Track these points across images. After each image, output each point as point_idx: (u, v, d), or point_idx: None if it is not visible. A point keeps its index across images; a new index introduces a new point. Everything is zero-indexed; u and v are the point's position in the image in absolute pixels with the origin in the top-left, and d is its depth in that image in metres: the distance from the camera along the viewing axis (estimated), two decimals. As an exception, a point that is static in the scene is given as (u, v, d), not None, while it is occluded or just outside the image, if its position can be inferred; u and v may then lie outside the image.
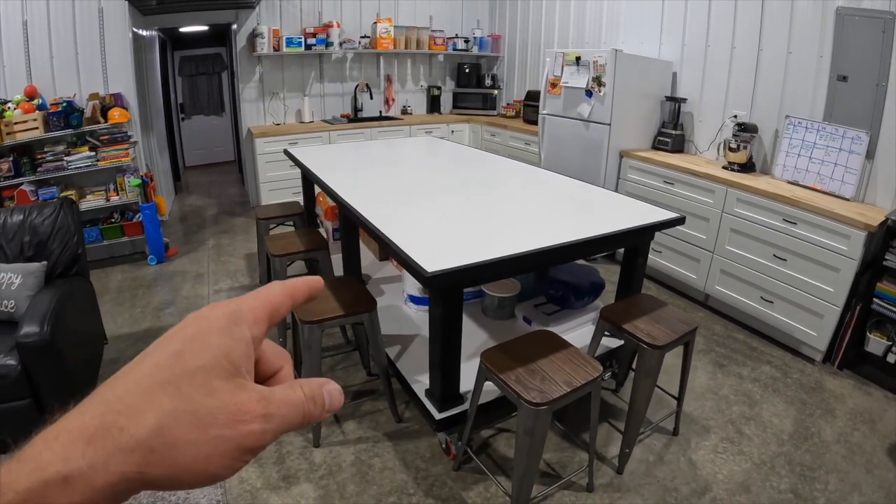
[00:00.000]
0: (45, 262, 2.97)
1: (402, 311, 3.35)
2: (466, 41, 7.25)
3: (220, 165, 9.65)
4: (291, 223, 4.14)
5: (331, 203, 4.24)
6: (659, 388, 2.85)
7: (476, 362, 2.25)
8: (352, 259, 3.47)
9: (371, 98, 6.92)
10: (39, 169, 4.40)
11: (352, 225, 3.28)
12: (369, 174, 3.55)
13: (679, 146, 4.72)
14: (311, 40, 6.19)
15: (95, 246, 4.74)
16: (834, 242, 3.25)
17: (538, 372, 2.09)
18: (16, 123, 4.15)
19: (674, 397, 2.83)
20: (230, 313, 0.37)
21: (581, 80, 4.63)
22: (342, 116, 6.71)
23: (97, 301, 3.39)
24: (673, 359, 3.05)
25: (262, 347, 0.40)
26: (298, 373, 2.96)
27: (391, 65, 7.13)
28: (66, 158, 4.47)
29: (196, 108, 9.36)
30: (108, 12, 4.66)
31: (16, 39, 4.36)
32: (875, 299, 3.20)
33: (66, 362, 2.58)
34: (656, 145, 4.81)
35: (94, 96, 4.64)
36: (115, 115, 4.58)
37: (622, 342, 2.95)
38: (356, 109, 6.82)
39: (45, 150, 4.43)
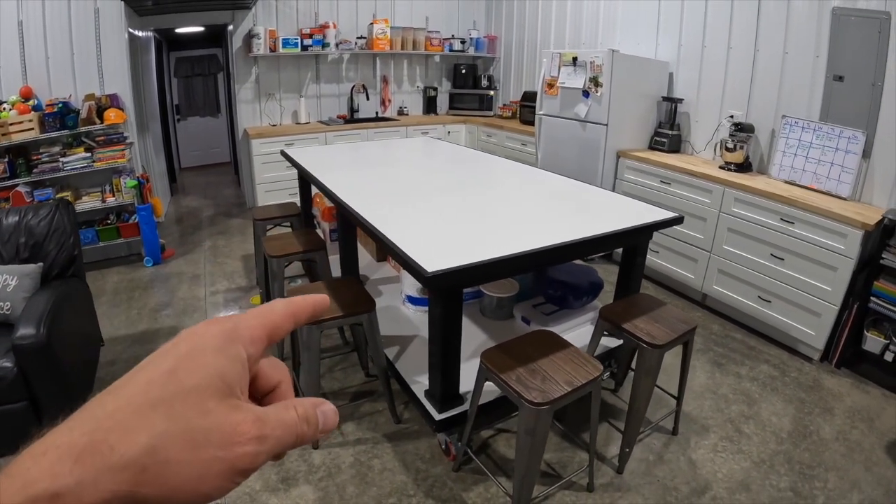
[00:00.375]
0: (41, 264, 2.96)
1: (400, 312, 3.34)
2: (463, 42, 7.25)
3: (216, 167, 9.62)
4: (288, 224, 4.12)
5: (328, 204, 4.24)
6: (658, 387, 2.85)
7: (475, 363, 2.25)
8: (350, 260, 3.46)
9: (367, 99, 6.92)
10: (35, 170, 4.38)
11: (349, 225, 3.27)
12: (366, 175, 3.55)
13: (676, 146, 4.73)
14: (308, 41, 6.18)
15: (91, 247, 4.73)
16: (831, 241, 3.26)
17: (539, 372, 2.08)
18: (11, 124, 4.13)
19: (673, 397, 2.83)
20: (226, 331, 0.36)
21: (578, 80, 4.64)
22: (338, 117, 6.70)
23: (93, 303, 3.37)
24: (672, 358, 3.05)
25: (261, 363, 0.40)
26: (296, 374, 2.96)
27: (387, 66, 7.13)
28: (61, 159, 4.45)
29: (192, 109, 9.34)
30: (104, 13, 4.65)
31: (11, 40, 4.34)
32: (872, 298, 3.21)
33: (62, 364, 2.57)
34: (653, 145, 4.82)
35: (89, 97, 4.62)
36: (111, 115, 4.56)
37: (621, 342, 2.96)
38: (352, 110, 6.81)
39: (41, 151, 4.41)
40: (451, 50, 7.20)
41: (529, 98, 6.16)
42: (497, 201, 2.99)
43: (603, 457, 2.65)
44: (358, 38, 6.55)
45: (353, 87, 6.73)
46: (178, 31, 6.78)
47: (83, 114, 4.48)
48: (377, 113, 7.14)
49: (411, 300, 3.30)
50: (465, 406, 2.44)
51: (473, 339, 3.01)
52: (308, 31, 6.21)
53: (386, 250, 2.27)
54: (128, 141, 4.76)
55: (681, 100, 4.69)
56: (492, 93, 7.18)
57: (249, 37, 5.99)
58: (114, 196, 4.77)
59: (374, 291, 3.56)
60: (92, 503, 0.29)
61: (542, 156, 5.24)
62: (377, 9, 6.76)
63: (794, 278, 3.47)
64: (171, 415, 0.31)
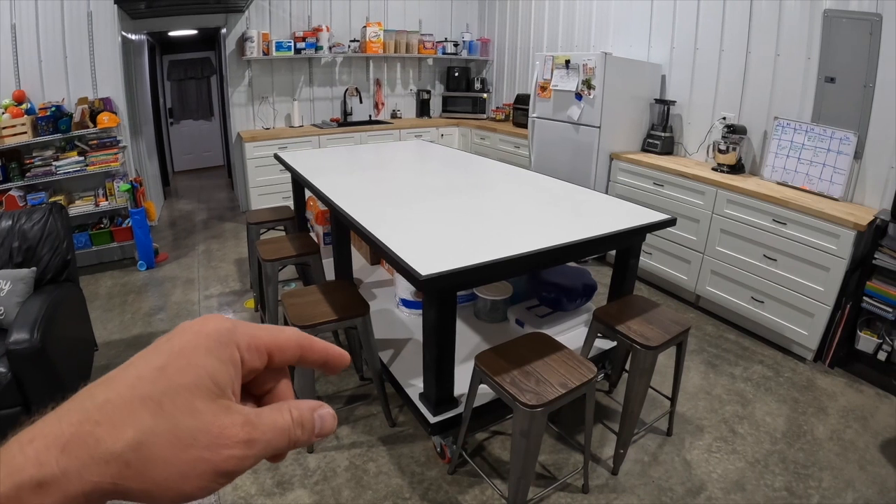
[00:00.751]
0: (34, 268, 2.95)
1: (394, 315, 3.34)
2: (456, 45, 7.26)
3: (209, 170, 9.60)
4: (282, 228, 4.12)
5: (321, 207, 4.23)
6: (652, 388, 2.87)
7: (469, 365, 2.25)
8: (343, 263, 3.46)
9: (361, 102, 6.91)
10: (28, 174, 4.36)
11: (343, 229, 3.27)
12: (360, 178, 3.55)
13: (669, 148, 4.74)
14: (301, 44, 6.18)
15: (85, 252, 4.72)
16: (823, 242, 3.28)
17: (533, 374, 2.09)
18: (4, 128, 4.12)
19: (667, 398, 2.84)
20: (221, 331, 0.36)
21: (571, 83, 4.65)
22: (332, 121, 6.69)
23: (87, 307, 3.36)
24: (666, 359, 3.06)
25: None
26: (291, 377, 2.95)
27: (381, 69, 7.13)
28: (54, 163, 4.44)
29: (185, 112, 9.32)
30: (97, 16, 4.63)
31: (4, 43, 4.32)
32: (865, 298, 3.23)
33: (56, 369, 2.56)
34: (646, 147, 4.83)
35: (82, 101, 4.61)
36: (104, 119, 4.55)
37: (615, 343, 2.97)
38: (346, 114, 6.81)
39: (34, 154, 4.40)
40: (444, 53, 7.21)
41: (522, 101, 6.17)
42: (490, 204, 3.00)
43: (598, 458, 2.65)
44: (351, 41, 6.55)
45: (347, 90, 6.73)
46: (172, 34, 6.78)
47: (76, 117, 4.47)
48: (370, 116, 7.14)
49: (405, 303, 3.31)
50: (460, 409, 2.44)
51: (468, 341, 3.02)
52: (301, 34, 6.21)
53: (379, 254, 2.27)
54: (121, 145, 4.75)
55: (673, 102, 4.71)
56: (485, 96, 7.19)
57: (243, 40, 5.98)
58: (107, 200, 4.76)
59: (368, 295, 3.56)
60: (75, 493, 0.29)
61: (536, 158, 5.25)
62: (370, 12, 6.77)
63: (787, 279, 3.49)
64: (159, 412, 0.31)
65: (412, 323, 3.22)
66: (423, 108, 7.39)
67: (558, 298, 3.17)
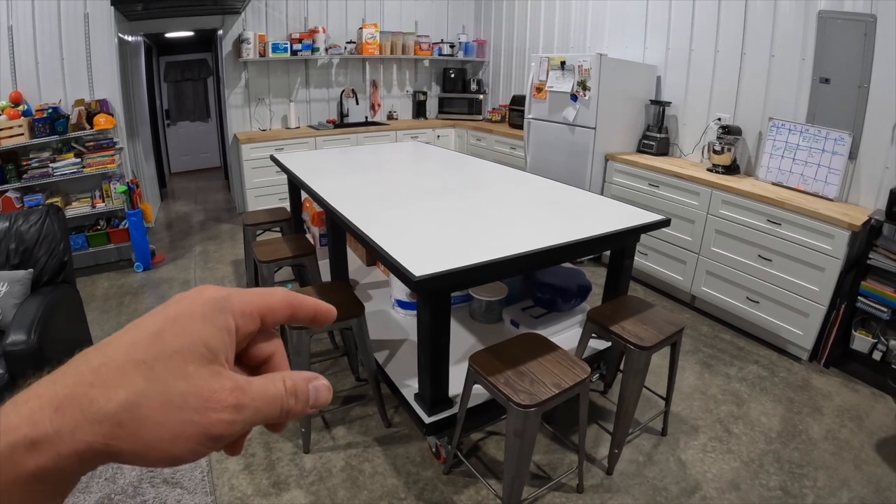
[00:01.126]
0: (31, 270, 2.95)
1: (390, 316, 3.35)
2: (452, 46, 7.28)
3: (206, 172, 9.60)
4: (278, 229, 4.12)
5: (317, 209, 4.24)
6: (647, 388, 2.88)
7: (464, 366, 2.25)
8: (339, 264, 3.46)
9: (357, 104, 6.93)
10: (25, 176, 4.36)
11: (339, 230, 3.27)
12: (356, 179, 3.55)
13: (664, 149, 4.75)
14: (297, 46, 6.19)
15: (82, 253, 4.72)
16: (818, 242, 3.29)
17: (527, 374, 2.10)
18: (1, 130, 4.12)
19: (662, 398, 2.85)
20: (217, 299, 0.36)
21: (566, 84, 4.66)
22: (328, 122, 6.70)
23: (84, 309, 3.35)
24: (661, 360, 3.07)
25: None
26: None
27: (377, 70, 7.14)
28: (51, 165, 4.43)
29: (182, 113, 9.32)
30: (93, 18, 4.64)
31: (1, 45, 4.32)
32: (860, 297, 3.24)
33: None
34: (641, 148, 4.84)
35: (79, 102, 4.61)
36: (101, 121, 4.55)
37: (610, 344, 2.97)
38: (342, 115, 6.82)
39: (31, 156, 4.40)
40: (440, 54, 7.22)
41: (518, 102, 6.18)
42: (485, 205, 3.00)
43: (592, 458, 2.66)
44: (347, 42, 6.56)
45: (343, 91, 6.74)
46: (168, 35, 6.78)
47: (73, 119, 4.47)
48: (367, 117, 7.15)
49: (401, 304, 3.31)
50: (455, 409, 2.45)
51: (463, 342, 3.02)
52: (297, 35, 6.22)
53: (374, 255, 2.27)
54: (117, 146, 4.75)
55: (669, 103, 4.72)
56: (481, 97, 7.20)
57: (239, 41, 5.98)
58: (104, 201, 4.76)
59: (363, 296, 3.57)
60: (68, 452, 0.30)
61: (531, 159, 5.26)
62: (366, 13, 6.77)
63: (782, 279, 3.50)
64: (152, 375, 0.32)
65: (408, 324, 3.23)
66: (419, 110, 7.40)
67: (553, 299, 3.18)
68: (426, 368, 2.37)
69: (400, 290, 3.28)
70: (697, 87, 4.57)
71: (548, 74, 4.85)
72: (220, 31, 6.03)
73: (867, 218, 3.23)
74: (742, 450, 2.73)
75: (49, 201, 4.44)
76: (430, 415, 2.43)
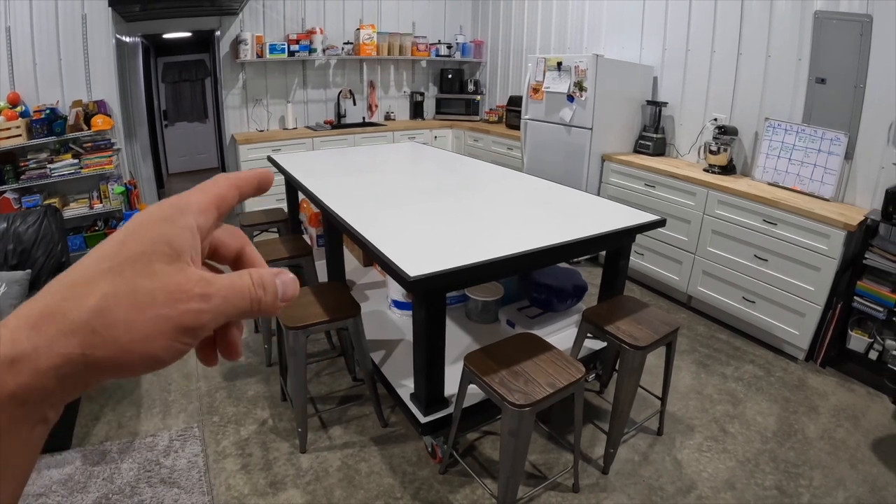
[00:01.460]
0: (29, 271, 2.96)
1: (386, 317, 3.35)
2: (449, 47, 7.28)
3: (203, 172, 9.57)
4: (275, 230, 4.13)
5: (314, 209, 4.24)
6: (643, 388, 2.88)
7: (460, 366, 2.26)
8: (336, 265, 3.47)
9: (354, 104, 6.93)
10: (23, 177, 4.37)
11: (336, 231, 3.28)
12: (353, 180, 3.55)
13: (660, 149, 4.76)
14: (295, 47, 6.18)
15: (79, 254, 4.68)
16: (814, 242, 3.30)
17: (521, 374, 2.10)
18: (-2, 131, 4.13)
19: (657, 397, 2.85)
20: (174, 205, 0.37)
21: (563, 85, 4.67)
22: (325, 123, 6.70)
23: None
24: (657, 359, 3.07)
25: (216, 233, 0.42)
26: (283, 379, 2.96)
27: (374, 71, 7.14)
28: (49, 166, 4.44)
29: (179, 114, 9.30)
30: (91, 19, 4.64)
31: (-3, 46, 4.33)
32: (856, 297, 3.25)
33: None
34: (638, 149, 4.85)
35: (77, 103, 4.61)
36: (99, 122, 4.55)
37: (605, 344, 2.98)
38: (339, 116, 6.82)
39: (28, 157, 4.40)
40: (437, 55, 7.22)
41: (515, 102, 6.17)
42: (482, 205, 3.01)
43: (588, 458, 2.66)
44: (345, 43, 6.56)
45: (340, 92, 6.74)
46: (166, 36, 6.77)
47: (70, 120, 4.47)
48: (364, 118, 7.15)
49: (397, 304, 3.31)
50: (451, 409, 2.45)
51: (459, 342, 3.03)
52: (295, 36, 6.22)
53: (370, 255, 2.28)
54: (115, 147, 4.75)
55: (665, 103, 4.72)
56: (478, 97, 7.21)
57: (237, 42, 5.98)
58: (101, 202, 4.76)
59: (360, 296, 3.57)
60: (47, 367, 0.30)
61: (528, 160, 5.27)
62: (364, 14, 6.78)
63: (778, 279, 3.50)
64: (118, 280, 0.32)
65: (404, 324, 3.23)
66: (416, 110, 7.40)
67: (549, 299, 3.18)
68: (422, 368, 2.37)
69: (396, 291, 3.29)
70: (694, 88, 4.58)
71: (544, 75, 4.86)
72: (218, 32, 6.03)
73: (863, 218, 3.23)
74: (738, 449, 2.74)
75: (47, 202, 4.44)
76: (425, 415, 2.43)
